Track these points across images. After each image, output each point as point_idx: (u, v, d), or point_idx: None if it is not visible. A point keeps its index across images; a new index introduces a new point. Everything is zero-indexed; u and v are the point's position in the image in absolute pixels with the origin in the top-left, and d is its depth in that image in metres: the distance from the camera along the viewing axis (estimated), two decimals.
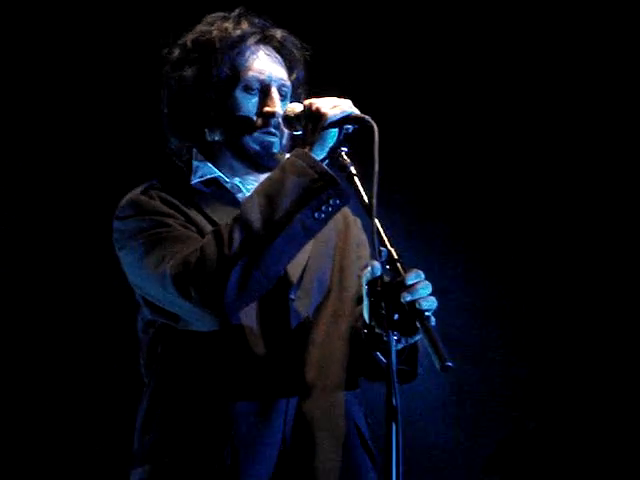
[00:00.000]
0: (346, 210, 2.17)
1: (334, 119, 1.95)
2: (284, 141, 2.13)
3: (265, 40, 2.15)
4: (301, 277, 2.08)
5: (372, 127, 1.88)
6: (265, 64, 2.12)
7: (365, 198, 1.88)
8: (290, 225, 1.89)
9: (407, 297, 1.75)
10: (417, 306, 1.75)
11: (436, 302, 1.79)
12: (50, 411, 4.12)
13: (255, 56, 2.11)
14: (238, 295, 1.88)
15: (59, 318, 4.16)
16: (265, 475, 1.97)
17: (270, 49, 2.16)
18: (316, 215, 1.91)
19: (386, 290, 1.78)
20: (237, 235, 1.88)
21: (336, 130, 1.96)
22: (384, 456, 1.72)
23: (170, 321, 2.02)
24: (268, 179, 1.97)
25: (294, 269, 2.06)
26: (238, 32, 2.11)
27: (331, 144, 1.96)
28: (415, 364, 2.00)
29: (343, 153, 1.97)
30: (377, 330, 1.84)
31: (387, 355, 1.75)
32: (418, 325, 1.75)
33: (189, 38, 2.14)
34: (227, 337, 1.99)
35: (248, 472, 1.96)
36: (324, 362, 2.06)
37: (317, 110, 1.96)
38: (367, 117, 1.94)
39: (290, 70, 2.18)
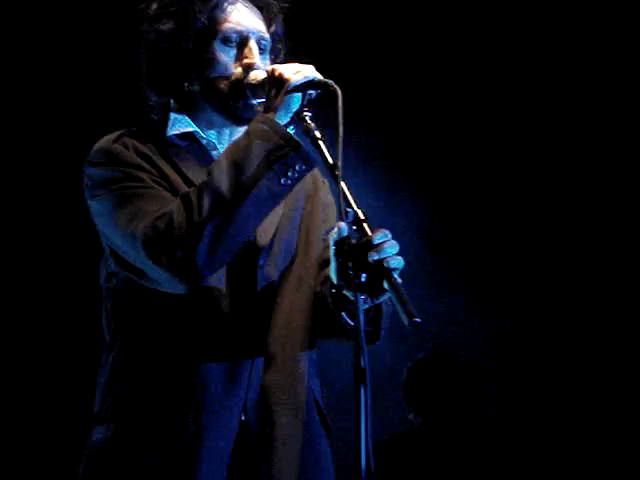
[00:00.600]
0: (316, 173, 2.17)
1: (297, 83, 1.95)
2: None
3: None
4: (270, 243, 2.09)
5: (335, 91, 1.90)
6: (243, 16, 2.10)
7: (330, 160, 1.89)
8: (257, 190, 1.89)
9: (374, 256, 1.75)
10: (385, 265, 1.74)
11: (403, 261, 1.78)
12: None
13: (233, 8, 2.10)
14: (208, 261, 1.88)
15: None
16: (225, 443, 1.98)
17: (248, 2, 2.15)
18: (282, 180, 1.92)
19: (353, 250, 1.77)
20: (205, 201, 1.88)
21: (299, 95, 1.96)
22: (353, 418, 1.70)
23: (134, 276, 2.00)
24: (234, 144, 1.97)
25: (263, 235, 2.07)
26: None
27: (295, 108, 1.97)
28: (379, 325, 2.01)
29: (307, 117, 1.97)
30: (344, 291, 1.86)
31: (354, 316, 1.75)
32: (385, 284, 1.75)
33: (152, 7, 2.13)
34: (195, 300, 1.98)
35: (209, 439, 1.96)
36: (287, 331, 2.07)
37: (280, 75, 1.96)
38: (330, 81, 1.95)
39: (269, 24, 2.16)
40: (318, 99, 2.00)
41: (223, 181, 1.89)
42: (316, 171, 2.12)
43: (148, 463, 1.95)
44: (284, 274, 2.09)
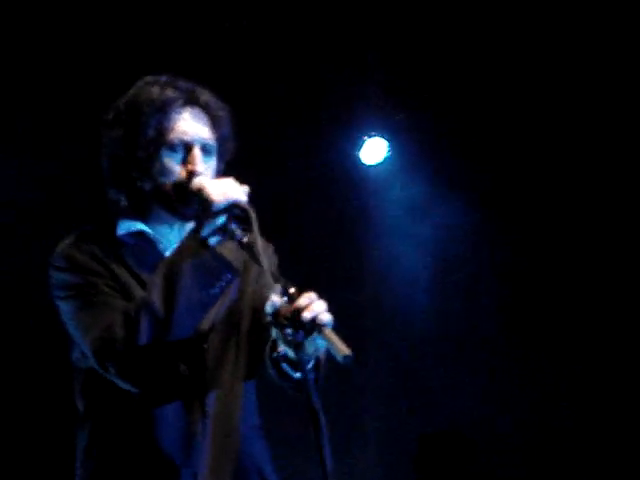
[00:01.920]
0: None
1: (220, 207, 2.17)
2: None
3: (190, 102, 2.35)
4: (212, 325, 2.32)
5: (250, 217, 2.13)
6: (188, 125, 2.31)
7: (257, 256, 2.10)
8: (188, 303, 2.14)
9: (307, 315, 1.98)
10: (317, 321, 1.98)
11: (332, 317, 2.01)
12: None
13: (179, 118, 2.30)
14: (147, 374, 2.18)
15: None
16: None
17: (196, 110, 2.35)
18: (211, 292, 2.17)
19: (288, 317, 2.00)
20: (143, 319, 2.13)
21: (224, 215, 2.18)
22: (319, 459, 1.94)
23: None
24: (167, 260, 2.22)
25: (206, 320, 2.29)
26: (163, 97, 2.31)
27: (221, 222, 2.18)
28: (319, 373, 2.18)
29: (234, 227, 2.17)
30: (290, 355, 2.10)
31: (297, 368, 2.09)
32: (319, 335, 1.98)
33: (121, 102, 2.37)
34: None
35: None
36: (229, 409, 2.31)
37: (207, 196, 2.19)
38: (248, 207, 2.16)
39: (215, 128, 2.36)
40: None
41: (157, 297, 2.13)
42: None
43: None
44: (224, 351, 2.33)
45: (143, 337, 2.11)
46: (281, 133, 5.53)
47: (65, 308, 2.30)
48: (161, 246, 2.34)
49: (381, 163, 5.79)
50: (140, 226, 2.35)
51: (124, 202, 2.38)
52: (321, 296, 2.05)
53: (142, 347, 2.12)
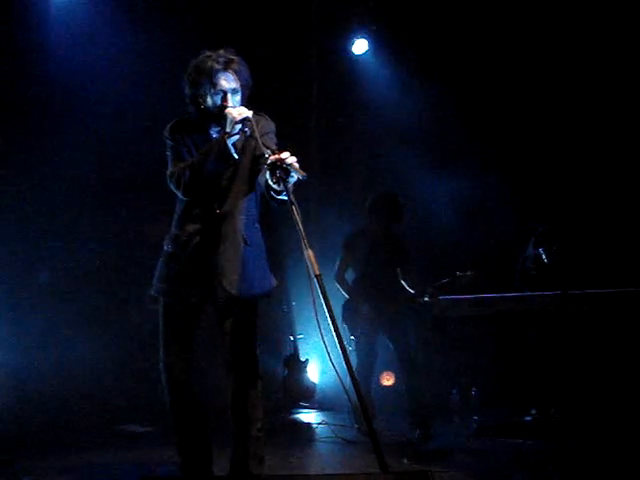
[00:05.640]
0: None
1: (237, 120, 4.06)
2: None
3: (225, 69, 4.21)
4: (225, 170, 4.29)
5: (252, 122, 4.04)
6: (224, 81, 4.21)
7: (257, 137, 3.98)
8: (210, 167, 4.13)
9: (286, 161, 3.73)
10: (290, 162, 3.73)
11: (295, 158, 3.75)
12: None
13: (220, 79, 4.21)
14: (191, 190, 4.19)
15: None
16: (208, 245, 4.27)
17: (228, 73, 4.21)
18: (222, 165, 4.17)
19: (276, 164, 3.76)
20: (188, 169, 4.14)
21: (240, 124, 4.09)
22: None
23: None
24: (208, 146, 4.17)
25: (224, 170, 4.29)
26: (213, 68, 4.18)
27: (238, 128, 4.06)
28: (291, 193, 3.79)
29: (246, 131, 4.05)
30: (274, 184, 3.84)
31: (280, 192, 3.86)
32: (291, 169, 3.72)
33: (192, 67, 4.26)
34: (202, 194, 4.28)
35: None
36: (235, 204, 4.30)
37: (231, 115, 4.10)
38: (252, 118, 4.03)
39: (239, 80, 4.23)
40: None
41: (196, 160, 4.13)
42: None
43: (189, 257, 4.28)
44: (232, 178, 4.30)
45: (187, 176, 4.12)
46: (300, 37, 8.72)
47: (167, 156, 4.29)
48: (211, 132, 4.27)
49: (365, 53, 8.99)
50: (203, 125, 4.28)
51: (194, 114, 4.29)
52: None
53: (187, 180, 4.13)
